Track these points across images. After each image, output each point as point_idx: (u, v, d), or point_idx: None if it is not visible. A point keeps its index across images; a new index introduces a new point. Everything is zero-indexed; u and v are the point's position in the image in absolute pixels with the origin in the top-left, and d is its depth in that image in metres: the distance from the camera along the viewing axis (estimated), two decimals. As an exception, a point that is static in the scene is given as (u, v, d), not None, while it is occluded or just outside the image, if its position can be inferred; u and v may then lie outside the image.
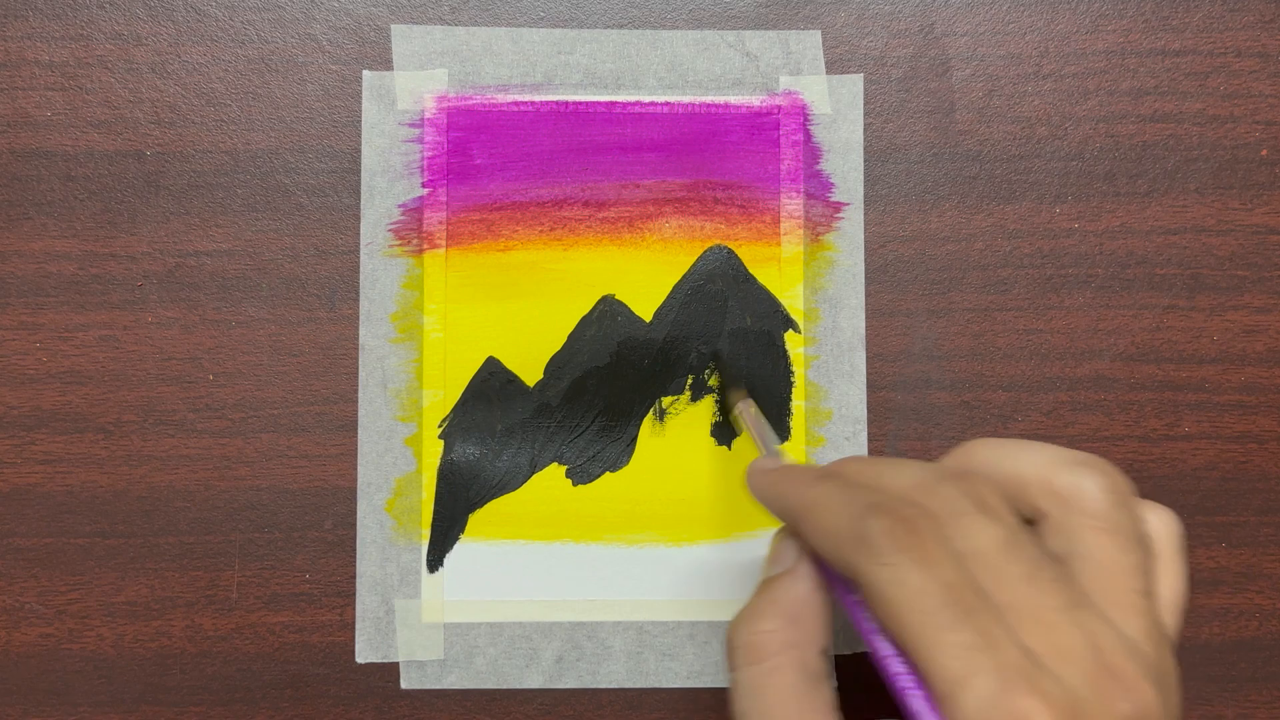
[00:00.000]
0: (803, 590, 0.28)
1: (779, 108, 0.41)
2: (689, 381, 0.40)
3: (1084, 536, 0.25)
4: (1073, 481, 0.26)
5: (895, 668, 0.25)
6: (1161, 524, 0.27)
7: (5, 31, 0.40)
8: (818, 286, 0.40)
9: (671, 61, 0.41)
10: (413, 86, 0.40)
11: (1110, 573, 0.25)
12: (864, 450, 0.40)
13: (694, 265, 0.40)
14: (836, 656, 0.39)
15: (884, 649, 0.25)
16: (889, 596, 0.24)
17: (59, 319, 0.40)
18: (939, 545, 0.24)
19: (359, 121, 0.40)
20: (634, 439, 0.40)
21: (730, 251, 0.40)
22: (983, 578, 0.24)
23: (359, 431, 0.40)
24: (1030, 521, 0.27)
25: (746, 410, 0.37)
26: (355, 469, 0.40)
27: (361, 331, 0.40)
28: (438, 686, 0.39)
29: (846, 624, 0.39)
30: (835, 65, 0.41)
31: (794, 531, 0.28)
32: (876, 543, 0.25)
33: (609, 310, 0.40)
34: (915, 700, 0.24)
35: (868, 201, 0.41)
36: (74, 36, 0.40)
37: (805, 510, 0.27)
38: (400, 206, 0.40)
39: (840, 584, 0.27)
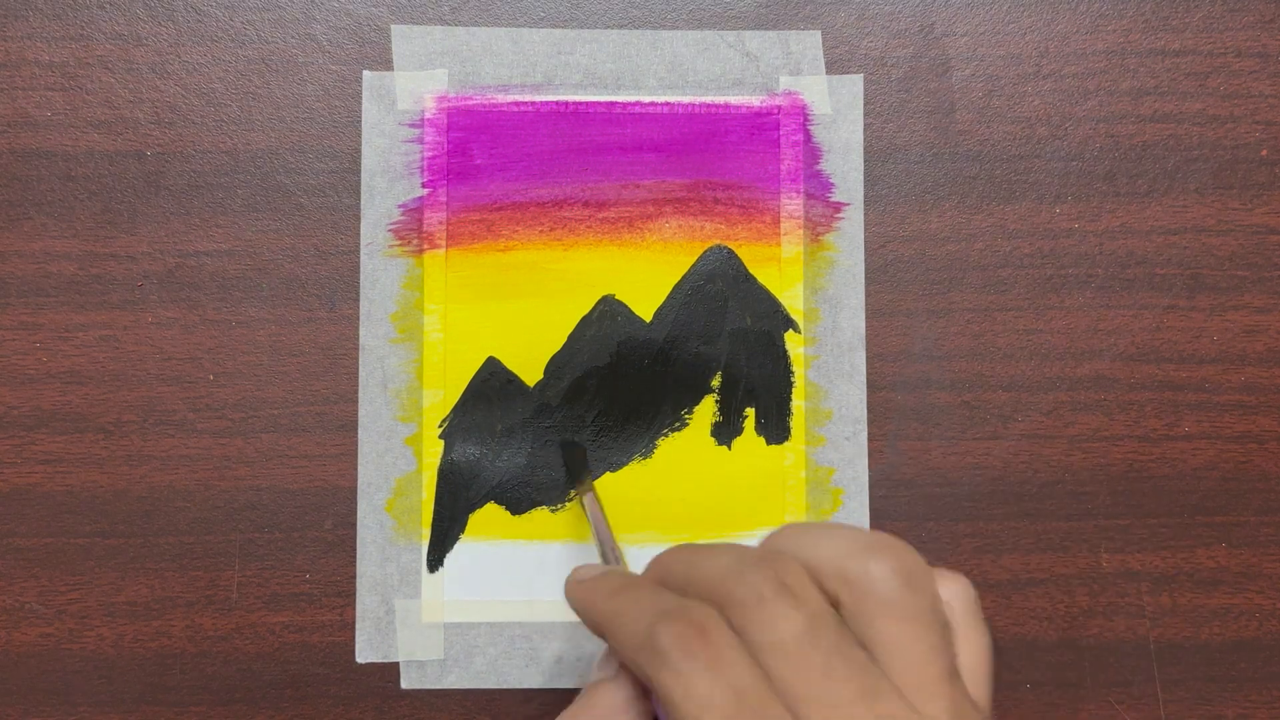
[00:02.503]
0: (620, 699, 0.28)
1: (779, 108, 0.41)
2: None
3: (878, 624, 0.25)
4: (861, 569, 0.26)
5: None
6: (956, 593, 0.27)
7: (5, 31, 0.40)
8: (818, 286, 0.40)
9: (671, 61, 0.41)
10: (413, 86, 0.40)
11: (908, 659, 0.25)
12: (864, 450, 0.40)
13: (694, 265, 0.40)
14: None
15: None
16: (677, 705, 0.24)
17: (59, 319, 0.40)
18: (730, 648, 0.24)
19: (359, 121, 0.40)
20: (635, 439, 0.40)
21: (730, 251, 0.40)
22: (781, 671, 0.24)
23: (359, 431, 0.40)
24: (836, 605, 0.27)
25: (590, 506, 0.37)
26: (355, 469, 0.40)
27: (361, 331, 0.40)
28: (438, 686, 0.39)
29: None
30: (835, 65, 0.41)
31: (604, 637, 0.28)
32: (667, 651, 0.25)
33: (609, 310, 0.40)
34: None
35: (868, 201, 0.41)
36: (74, 36, 0.40)
37: (607, 621, 0.27)
38: (400, 206, 0.40)
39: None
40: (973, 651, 0.27)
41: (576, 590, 0.29)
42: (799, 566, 0.26)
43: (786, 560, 0.26)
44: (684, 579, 0.27)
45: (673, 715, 0.24)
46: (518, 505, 0.40)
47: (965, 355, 0.40)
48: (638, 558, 0.39)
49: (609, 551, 0.35)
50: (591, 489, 0.38)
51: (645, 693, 0.28)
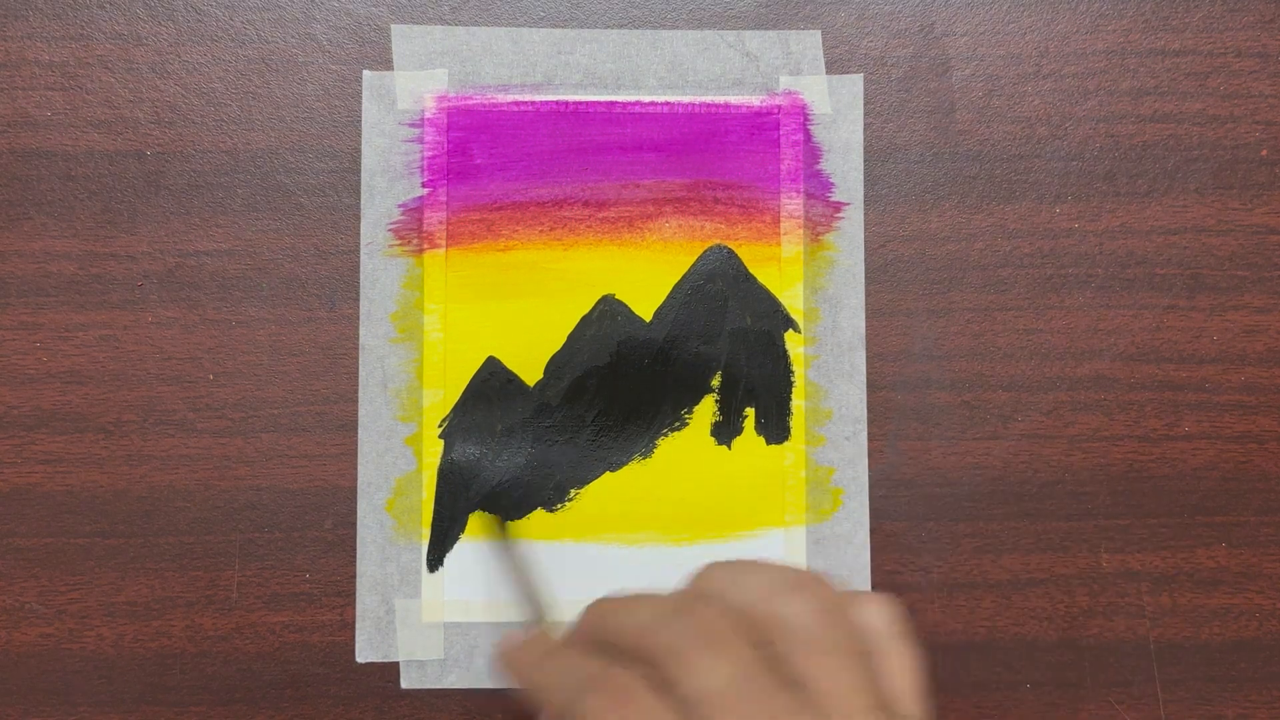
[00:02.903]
0: None
1: (779, 108, 0.41)
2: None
3: (800, 662, 0.26)
4: (781, 611, 0.26)
5: None
6: (875, 616, 0.28)
7: (5, 31, 0.40)
8: (818, 286, 0.40)
9: (671, 61, 0.41)
10: (413, 86, 0.40)
11: (835, 694, 0.25)
12: (864, 450, 0.40)
13: (694, 265, 0.40)
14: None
15: None
16: None
17: (59, 319, 0.40)
18: (653, 711, 0.25)
19: (359, 121, 0.40)
20: (635, 439, 0.40)
21: (730, 251, 0.40)
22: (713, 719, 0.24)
23: (359, 431, 0.40)
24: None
25: (513, 561, 0.37)
26: (355, 469, 0.40)
27: (361, 331, 0.40)
28: (438, 686, 0.39)
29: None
30: (835, 65, 0.41)
31: (534, 700, 0.29)
32: (590, 718, 0.25)
33: (609, 310, 0.40)
34: None
35: (868, 201, 0.41)
36: (74, 36, 0.40)
37: (537, 691, 0.28)
38: (400, 206, 0.40)
39: None
40: (899, 671, 0.27)
41: (505, 660, 0.29)
42: (722, 611, 0.26)
43: (709, 607, 0.26)
44: (612, 634, 0.27)
45: None
46: (513, 512, 0.40)
47: (965, 355, 0.40)
48: (638, 558, 0.40)
49: (534, 607, 0.36)
50: (510, 544, 0.38)
51: None
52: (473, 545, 0.40)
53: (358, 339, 0.40)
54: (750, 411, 0.40)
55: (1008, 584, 0.40)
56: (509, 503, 0.40)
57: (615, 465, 0.40)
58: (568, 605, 0.39)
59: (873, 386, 0.40)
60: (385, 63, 0.41)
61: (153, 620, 0.39)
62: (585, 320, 0.40)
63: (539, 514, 0.40)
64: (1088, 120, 0.41)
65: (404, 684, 0.39)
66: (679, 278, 0.40)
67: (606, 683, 0.26)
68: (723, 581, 0.27)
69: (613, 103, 0.41)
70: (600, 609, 0.28)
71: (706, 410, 0.40)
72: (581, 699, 0.25)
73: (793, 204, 0.41)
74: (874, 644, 0.27)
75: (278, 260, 0.40)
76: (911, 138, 0.41)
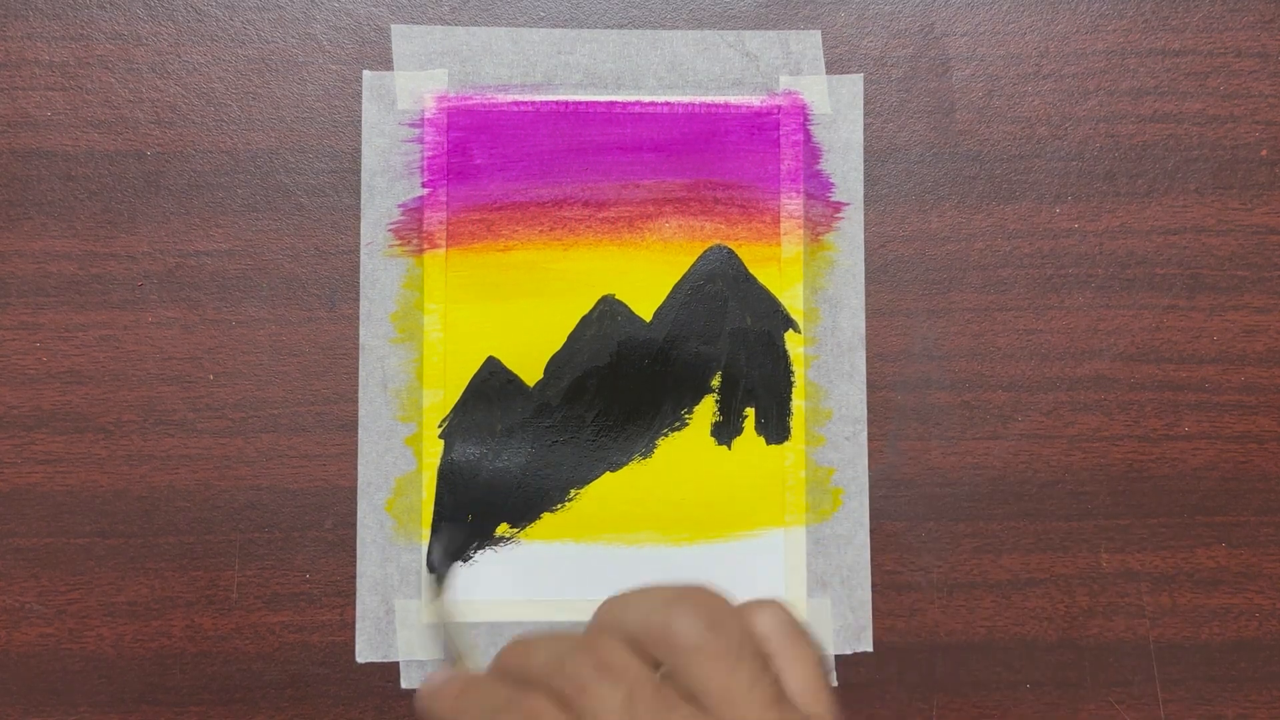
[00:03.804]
0: None
1: (779, 108, 0.41)
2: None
3: (694, 670, 0.26)
4: (665, 624, 0.27)
5: None
6: (770, 618, 0.28)
7: (5, 31, 0.40)
8: (818, 286, 0.40)
9: (671, 61, 0.41)
10: (413, 86, 0.40)
11: (730, 696, 0.26)
12: (864, 450, 0.40)
13: (694, 265, 0.40)
14: (836, 656, 0.39)
15: None
16: None
17: (59, 319, 0.40)
18: None
19: (359, 121, 0.40)
20: (635, 439, 0.40)
21: (730, 251, 0.40)
22: None
23: (359, 431, 0.40)
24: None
25: (446, 619, 0.38)
26: (355, 469, 0.40)
27: (361, 331, 0.40)
28: (438, 686, 0.39)
29: (845, 624, 0.39)
30: (835, 65, 0.41)
31: None
32: None
33: (609, 310, 0.40)
34: None
35: (868, 201, 0.41)
36: (74, 36, 0.40)
37: (460, 715, 0.29)
38: (400, 206, 0.40)
39: None
40: (800, 669, 0.28)
41: (427, 696, 0.30)
42: (617, 642, 0.27)
43: (604, 639, 0.27)
44: (520, 671, 0.28)
45: None
46: (521, 519, 0.40)
47: (965, 355, 0.40)
48: (638, 558, 0.40)
49: (453, 654, 0.37)
50: (440, 603, 0.39)
51: None
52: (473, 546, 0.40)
53: (358, 339, 0.40)
54: (750, 411, 0.40)
55: (1008, 584, 0.40)
56: (509, 503, 0.40)
57: (615, 465, 0.40)
58: (568, 605, 0.39)
59: (873, 386, 0.40)
60: (385, 63, 0.41)
61: (153, 620, 0.39)
62: (585, 320, 0.40)
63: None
64: (1088, 120, 0.41)
65: (404, 684, 0.39)
66: (679, 278, 0.40)
67: (518, 707, 0.27)
68: (614, 612, 0.28)
69: (613, 103, 0.41)
70: (513, 648, 0.29)
71: (706, 410, 0.40)
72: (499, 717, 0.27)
73: (793, 204, 0.41)
74: (770, 646, 0.28)
75: (278, 260, 0.40)
76: (911, 138, 0.41)
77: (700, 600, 0.27)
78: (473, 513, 0.40)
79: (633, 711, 0.26)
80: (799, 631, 0.28)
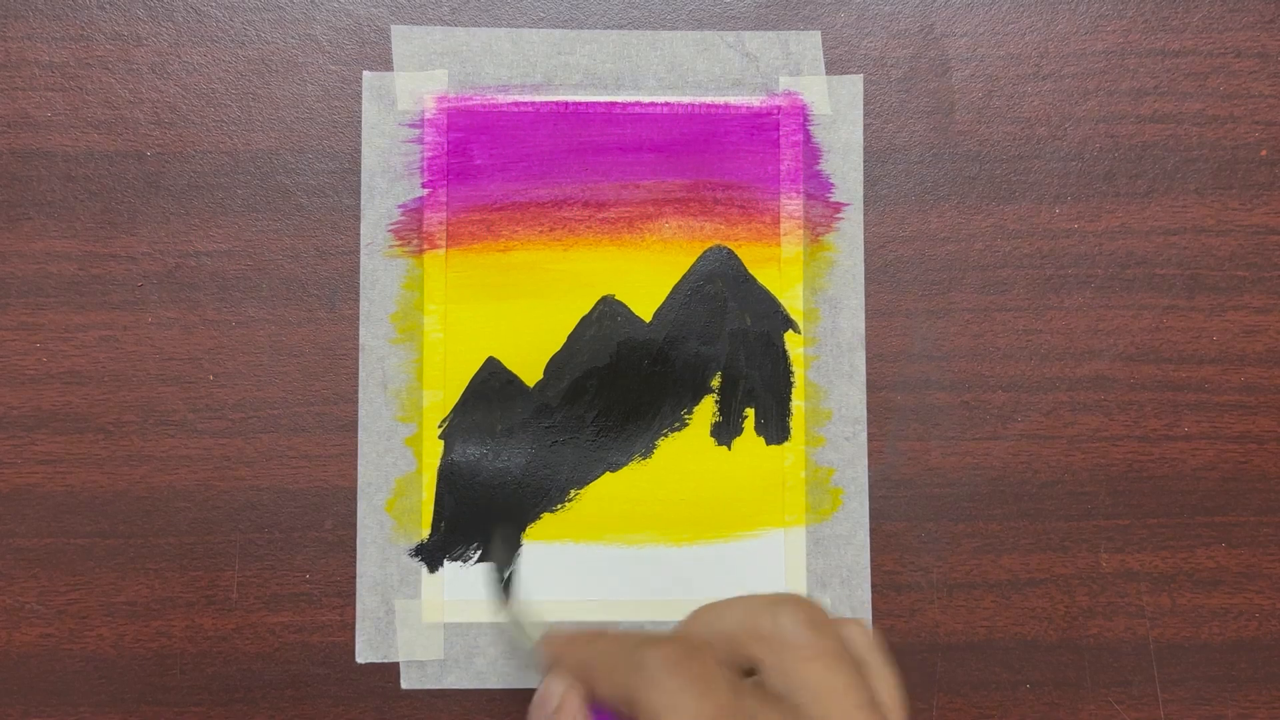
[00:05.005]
0: (575, 702, 0.30)
1: (779, 108, 0.41)
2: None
3: (794, 669, 0.28)
4: (770, 623, 0.28)
5: None
6: (857, 635, 0.30)
7: (5, 31, 0.40)
8: (818, 287, 0.40)
9: (671, 62, 0.41)
10: (413, 87, 0.40)
11: (826, 696, 0.27)
12: (864, 450, 0.40)
13: (694, 265, 0.40)
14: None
15: None
16: (659, 715, 0.26)
17: (59, 319, 0.40)
18: (710, 670, 0.27)
19: (359, 122, 0.40)
20: (635, 440, 0.40)
21: (730, 252, 0.40)
22: None
23: (359, 431, 0.40)
24: (751, 672, 0.29)
25: (519, 617, 0.38)
26: (355, 469, 0.40)
27: (361, 332, 0.40)
28: (438, 686, 0.39)
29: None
30: (835, 65, 0.41)
31: (582, 680, 0.30)
32: (652, 670, 0.27)
33: (609, 310, 0.40)
34: None
35: (867, 202, 0.41)
36: (74, 36, 0.40)
37: (591, 656, 0.30)
38: (400, 207, 0.40)
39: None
40: (883, 686, 0.29)
41: (555, 647, 0.32)
42: (707, 652, 0.28)
43: (693, 653, 0.28)
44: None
45: None
46: (521, 519, 0.40)
47: (965, 355, 0.40)
48: (638, 558, 0.40)
49: (528, 630, 0.37)
50: (512, 599, 0.39)
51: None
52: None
53: (358, 339, 0.40)
54: (750, 412, 0.40)
55: (1007, 584, 0.40)
56: (509, 503, 0.40)
57: (615, 465, 0.40)
58: (568, 606, 0.39)
59: (873, 387, 0.40)
60: (385, 63, 0.41)
61: (153, 620, 0.39)
62: (585, 321, 0.40)
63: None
64: (1088, 120, 0.41)
65: (404, 684, 0.39)
66: (679, 278, 0.40)
67: (670, 640, 0.28)
68: (706, 621, 0.29)
69: (612, 103, 0.41)
70: (589, 655, 0.30)
71: (706, 410, 0.40)
72: (644, 650, 0.27)
73: (792, 204, 0.41)
74: (861, 658, 0.29)
75: (278, 260, 0.40)
76: (911, 138, 0.41)
77: (803, 604, 0.29)
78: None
79: (731, 705, 0.26)
80: (881, 651, 0.30)
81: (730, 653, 0.28)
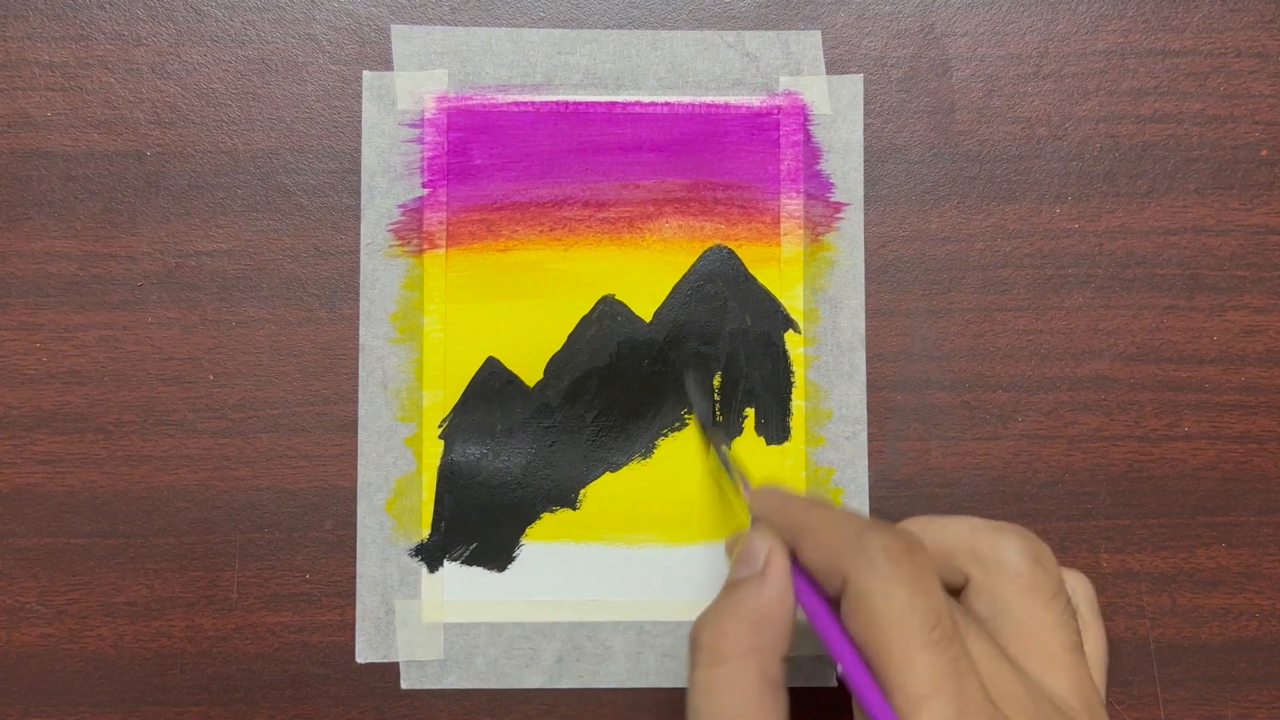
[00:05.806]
0: (772, 595, 0.28)
1: (779, 108, 0.41)
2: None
3: (1006, 596, 0.27)
4: (993, 545, 0.28)
5: (861, 680, 0.25)
6: (1077, 586, 0.29)
7: (5, 31, 0.40)
8: (818, 287, 0.40)
9: (671, 62, 0.41)
10: (413, 87, 0.40)
11: (1034, 629, 0.27)
12: (864, 450, 0.40)
13: (694, 265, 0.40)
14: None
15: (851, 662, 0.25)
16: (875, 608, 0.25)
17: (59, 319, 0.40)
18: (929, 573, 0.25)
19: (359, 121, 0.40)
20: (635, 439, 0.40)
21: (730, 252, 0.40)
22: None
23: (359, 431, 0.40)
24: (955, 591, 0.28)
25: (725, 454, 0.37)
26: (355, 469, 0.40)
27: (361, 331, 0.40)
28: (438, 686, 0.39)
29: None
30: (835, 65, 0.41)
31: (788, 541, 0.29)
32: (874, 556, 0.25)
33: (609, 310, 0.40)
34: (881, 714, 0.24)
35: (868, 201, 0.41)
36: (74, 36, 0.40)
37: (808, 522, 0.28)
38: (400, 207, 0.40)
39: (813, 595, 0.27)
40: (1092, 641, 0.29)
41: (770, 499, 0.30)
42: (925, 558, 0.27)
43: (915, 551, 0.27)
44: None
45: (866, 617, 0.25)
46: (521, 519, 0.40)
47: (965, 355, 0.40)
48: (638, 559, 0.40)
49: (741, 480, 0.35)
50: (724, 436, 0.38)
51: (790, 592, 0.28)
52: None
53: (358, 339, 0.40)
54: (750, 412, 0.40)
55: (1008, 584, 0.40)
56: (509, 503, 0.40)
57: (615, 466, 0.40)
58: (568, 606, 0.39)
59: (873, 387, 0.40)
60: (385, 63, 0.41)
61: (153, 620, 0.39)
62: (585, 321, 0.40)
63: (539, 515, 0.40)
64: (1088, 120, 0.41)
65: (404, 684, 0.39)
66: (679, 278, 0.40)
67: (895, 530, 0.26)
68: (922, 530, 0.28)
69: (613, 103, 0.41)
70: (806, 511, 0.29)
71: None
72: (869, 534, 0.26)
73: (793, 204, 0.41)
74: (1075, 606, 0.28)
75: (278, 260, 0.40)
76: (911, 138, 0.41)
77: (1030, 537, 0.28)
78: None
79: (939, 627, 0.25)
80: (1097, 609, 0.29)
81: (942, 565, 0.27)
